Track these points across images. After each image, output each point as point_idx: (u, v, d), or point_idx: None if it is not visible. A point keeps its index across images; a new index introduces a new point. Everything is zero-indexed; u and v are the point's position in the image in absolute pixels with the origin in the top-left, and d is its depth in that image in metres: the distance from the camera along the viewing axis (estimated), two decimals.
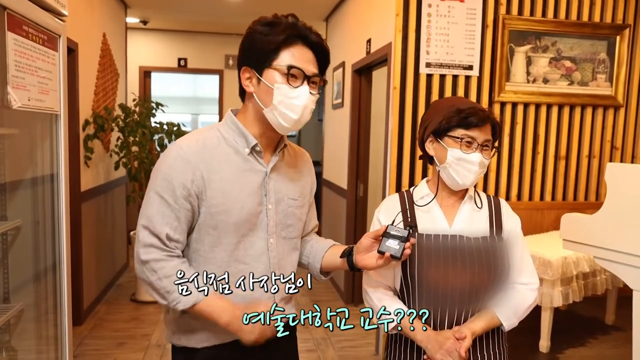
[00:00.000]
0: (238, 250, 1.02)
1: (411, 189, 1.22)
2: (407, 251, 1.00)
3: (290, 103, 0.97)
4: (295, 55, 0.98)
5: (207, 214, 0.99)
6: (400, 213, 1.16)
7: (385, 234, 1.01)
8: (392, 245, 1.00)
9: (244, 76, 1.00)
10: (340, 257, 1.08)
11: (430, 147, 1.16)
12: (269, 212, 1.05)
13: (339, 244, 1.16)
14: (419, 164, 2.64)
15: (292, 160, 1.13)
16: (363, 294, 1.20)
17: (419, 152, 3.01)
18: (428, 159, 1.19)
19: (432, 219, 1.14)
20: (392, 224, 1.05)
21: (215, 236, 1.00)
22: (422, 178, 2.68)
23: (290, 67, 0.97)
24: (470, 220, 1.14)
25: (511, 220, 1.18)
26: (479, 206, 1.16)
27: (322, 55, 1.02)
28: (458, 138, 1.10)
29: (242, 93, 1.06)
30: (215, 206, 0.99)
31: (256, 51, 0.98)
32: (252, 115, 1.03)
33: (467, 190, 1.17)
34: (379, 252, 1.01)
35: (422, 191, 1.19)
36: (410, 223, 1.12)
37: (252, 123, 1.03)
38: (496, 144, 1.17)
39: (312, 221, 1.22)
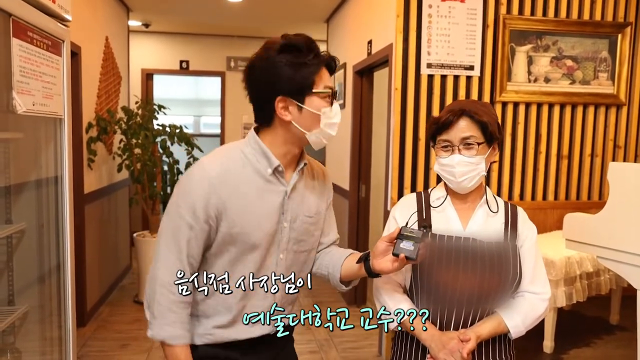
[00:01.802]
0: (248, 262, 1.05)
1: (429, 190, 1.23)
2: (423, 251, 1.00)
3: (332, 123, 1.02)
4: (325, 78, 1.02)
5: (227, 234, 1.01)
6: (416, 213, 1.16)
7: (400, 236, 1.01)
8: (407, 246, 1.00)
9: (279, 106, 1.00)
10: (357, 262, 1.08)
11: None
12: (283, 230, 1.06)
13: (357, 252, 1.16)
14: (421, 164, 2.65)
15: (310, 178, 1.14)
16: (374, 290, 1.20)
17: (420, 153, 3.00)
18: None
19: (447, 220, 1.15)
20: (406, 225, 1.05)
21: (233, 252, 1.03)
22: (425, 178, 2.70)
23: (331, 91, 1.02)
24: (484, 224, 1.14)
25: (527, 229, 1.17)
26: (495, 210, 1.16)
27: (333, 70, 1.06)
28: (436, 145, 1.13)
29: (266, 118, 1.04)
30: (234, 227, 1.01)
31: (294, 82, 0.98)
32: (281, 138, 1.04)
33: (481, 194, 1.17)
34: (393, 254, 1.01)
35: (438, 193, 1.19)
36: (424, 223, 1.11)
37: (278, 145, 1.04)
38: (500, 135, 1.13)
39: (330, 235, 1.21)
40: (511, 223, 1.16)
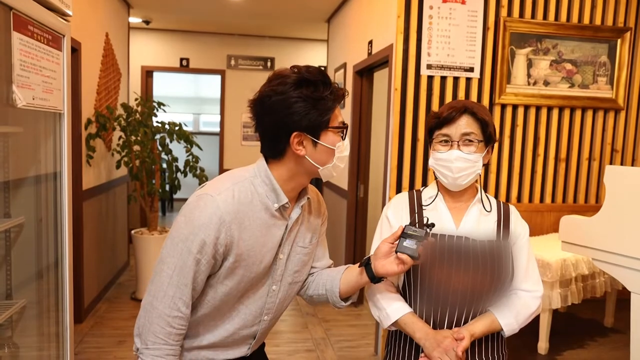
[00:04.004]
0: (243, 297, 1.05)
1: (422, 189, 1.23)
2: (423, 250, 1.00)
3: (343, 157, 1.03)
4: (339, 112, 1.02)
5: (229, 268, 1.00)
6: (416, 214, 1.16)
7: (403, 235, 1.01)
8: (410, 245, 1.00)
9: (295, 141, 0.98)
10: (359, 266, 1.08)
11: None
12: (279, 262, 1.06)
13: (354, 265, 1.14)
14: (419, 164, 2.65)
15: (308, 210, 1.12)
16: (366, 289, 1.20)
17: (419, 154, 3.01)
18: None
19: (439, 219, 1.15)
20: (410, 223, 1.05)
21: (230, 286, 1.02)
22: (423, 179, 2.71)
23: (344, 125, 1.02)
24: (477, 223, 1.15)
25: (519, 227, 1.18)
26: (488, 210, 1.16)
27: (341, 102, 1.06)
28: (434, 139, 1.13)
29: (278, 151, 1.01)
30: (238, 262, 1.00)
31: (312, 118, 0.97)
32: (291, 172, 1.02)
33: (475, 193, 1.17)
34: (396, 252, 1.01)
35: (430, 191, 1.20)
36: (427, 222, 1.10)
37: (288, 179, 1.03)
38: (496, 136, 1.15)
39: (323, 260, 1.20)
40: (504, 221, 1.17)
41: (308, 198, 1.08)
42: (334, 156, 1.00)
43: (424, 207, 1.17)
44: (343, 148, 1.01)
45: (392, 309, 1.13)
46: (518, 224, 1.18)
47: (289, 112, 0.96)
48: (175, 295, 0.96)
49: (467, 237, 1.12)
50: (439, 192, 1.18)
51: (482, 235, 1.13)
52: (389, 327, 1.14)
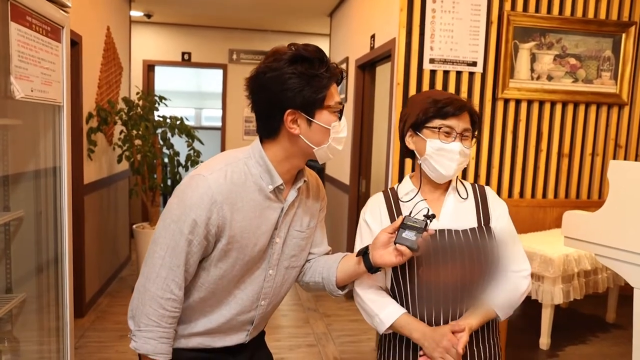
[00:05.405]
0: (239, 281, 1.04)
1: (395, 186, 1.20)
2: (422, 242, 0.99)
3: (339, 138, 1.00)
4: (335, 92, 0.99)
5: (222, 250, 0.98)
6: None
7: (403, 225, 0.99)
8: (409, 236, 0.98)
9: (288, 119, 0.96)
10: (357, 255, 1.06)
11: (410, 141, 1.15)
12: (275, 246, 1.05)
13: (352, 254, 1.13)
14: None
15: (306, 194, 1.10)
16: (354, 296, 1.17)
17: None
18: (409, 154, 1.17)
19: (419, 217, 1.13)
20: (410, 214, 1.03)
21: (223, 269, 1.01)
22: None
23: (340, 104, 0.99)
24: (456, 213, 1.13)
25: (498, 209, 1.17)
26: (464, 197, 1.15)
27: (340, 83, 1.03)
28: (436, 128, 1.10)
29: (272, 130, 0.99)
30: (231, 243, 0.98)
31: (306, 95, 0.94)
32: (286, 152, 1.00)
33: (450, 182, 1.16)
34: (395, 243, 0.99)
35: (406, 187, 1.17)
36: (427, 213, 1.06)
37: (282, 160, 1.00)
38: (476, 133, 1.16)
39: (322, 246, 1.18)
40: (482, 207, 1.16)
41: (305, 181, 1.06)
42: (330, 136, 0.98)
43: (403, 203, 1.15)
44: (339, 128, 0.99)
45: (384, 314, 1.10)
46: (496, 205, 1.17)
47: (282, 88, 0.93)
48: (168, 277, 0.95)
49: (449, 229, 1.11)
50: (418, 187, 1.15)
51: (463, 224, 1.12)
52: (385, 331, 1.12)
